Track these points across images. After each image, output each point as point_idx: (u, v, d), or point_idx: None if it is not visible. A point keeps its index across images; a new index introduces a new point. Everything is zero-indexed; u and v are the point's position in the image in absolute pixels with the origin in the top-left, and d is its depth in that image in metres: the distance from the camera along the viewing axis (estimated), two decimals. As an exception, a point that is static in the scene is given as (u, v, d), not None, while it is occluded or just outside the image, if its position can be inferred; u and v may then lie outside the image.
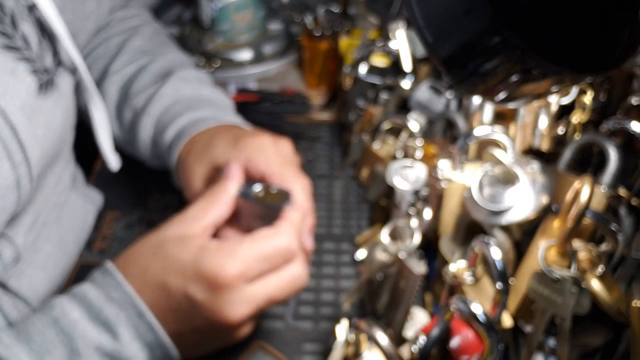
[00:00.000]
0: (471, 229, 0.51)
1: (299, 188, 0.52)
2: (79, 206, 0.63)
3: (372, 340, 0.41)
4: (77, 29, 0.63)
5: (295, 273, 0.45)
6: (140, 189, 0.70)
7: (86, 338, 0.41)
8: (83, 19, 0.64)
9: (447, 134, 0.64)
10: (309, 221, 0.53)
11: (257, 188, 0.50)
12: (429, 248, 0.59)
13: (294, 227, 0.46)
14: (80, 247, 0.63)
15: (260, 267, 0.43)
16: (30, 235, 0.53)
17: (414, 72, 0.70)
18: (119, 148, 0.70)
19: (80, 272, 0.61)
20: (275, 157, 0.53)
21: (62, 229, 0.59)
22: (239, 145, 0.54)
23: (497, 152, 0.50)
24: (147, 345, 0.42)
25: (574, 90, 0.54)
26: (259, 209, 0.50)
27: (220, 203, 0.47)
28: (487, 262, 0.43)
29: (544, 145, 0.56)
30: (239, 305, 0.42)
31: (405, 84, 0.67)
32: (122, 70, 0.67)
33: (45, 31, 0.50)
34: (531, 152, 0.57)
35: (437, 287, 0.55)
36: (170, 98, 0.63)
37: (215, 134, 0.57)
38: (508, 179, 0.48)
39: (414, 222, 0.54)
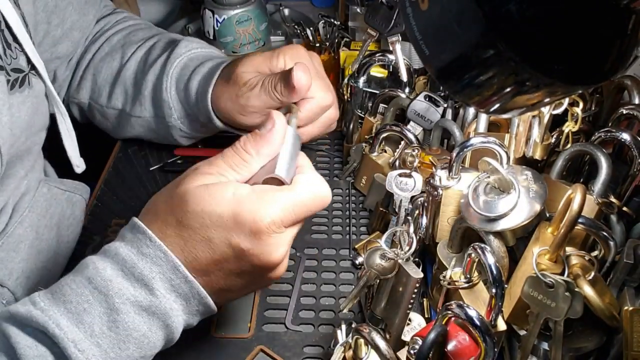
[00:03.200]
0: (467, 236, 0.52)
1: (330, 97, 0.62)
2: (51, 196, 0.64)
3: (371, 344, 0.42)
4: (60, 37, 0.68)
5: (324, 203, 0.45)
6: (146, 197, 0.71)
7: (122, 295, 0.40)
8: (65, 28, 0.68)
9: (443, 143, 0.65)
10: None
11: None
12: (426, 254, 0.60)
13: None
14: (63, 232, 0.64)
15: (298, 215, 0.43)
16: (1, 219, 0.55)
17: (412, 83, 0.71)
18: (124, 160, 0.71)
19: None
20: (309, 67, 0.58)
21: (34, 214, 0.60)
22: (276, 50, 0.62)
23: (491, 161, 0.51)
24: (183, 296, 0.42)
25: (566, 101, 0.55)
26: None
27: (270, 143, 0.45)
28: (482, 267, 0.43)
29: (537, 154, 0.57)
30: (280, 248, 0.43)
31: (403, 94, 0.69)
32: (136, 54, 0.73)
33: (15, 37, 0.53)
34: (525, 161, 0.58)
35: (434, 293, 0.56)
36: (186, 56, 0.69)
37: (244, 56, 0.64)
38: (502, 187, 0.49)
39: (411, 229, 0.55)
